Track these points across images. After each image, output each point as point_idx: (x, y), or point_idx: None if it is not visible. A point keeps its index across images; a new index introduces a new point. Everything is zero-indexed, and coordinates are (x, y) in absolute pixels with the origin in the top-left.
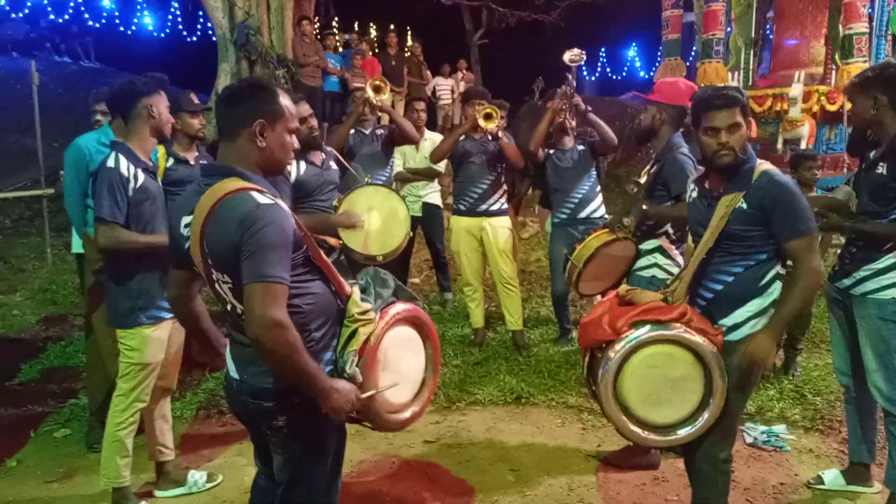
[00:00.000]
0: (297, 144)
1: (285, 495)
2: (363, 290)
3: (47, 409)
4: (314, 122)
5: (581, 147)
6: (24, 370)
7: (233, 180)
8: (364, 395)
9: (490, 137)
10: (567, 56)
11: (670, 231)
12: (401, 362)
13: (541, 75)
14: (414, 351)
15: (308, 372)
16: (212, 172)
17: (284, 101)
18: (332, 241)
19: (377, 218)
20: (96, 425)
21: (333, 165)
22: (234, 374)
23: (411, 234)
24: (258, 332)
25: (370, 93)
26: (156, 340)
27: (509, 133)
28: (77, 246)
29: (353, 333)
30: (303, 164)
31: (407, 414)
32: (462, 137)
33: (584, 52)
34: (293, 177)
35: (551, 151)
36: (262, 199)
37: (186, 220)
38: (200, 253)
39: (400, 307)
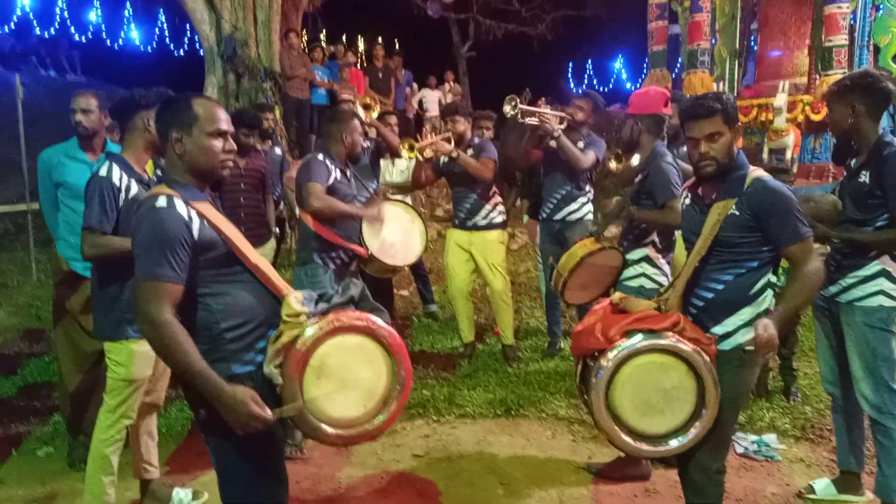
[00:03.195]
0: (232, 146)
1: (221, 492)
2: (329, 300)
3: (29, 426)
4: (363, 142)
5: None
6: (2, 386)
7: (159, 187)
8: (273, 413)
9: (449, 159)
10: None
11: (657, 240)
12: (347, 372)
13: (528, 87)
14: (367, 362)
15: (192, 371)
16: (157, 182)
17: (200, 107)
18: (359, 250)
19: (396, 230)
20: (77, 444)
21: (352, 181)
22: None
23: (430, 248)
24: (140, 327)
25: (360, 111)
26: (142, 355)
27: (496, 143)
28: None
29: (279, 335)
30: (338, 172)
31: (352, 431)
32: (443, 159)
33: (514, 98)
34: (330, 180)
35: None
36: (161, 202)
37: None
38: None
39: (347, 315)
